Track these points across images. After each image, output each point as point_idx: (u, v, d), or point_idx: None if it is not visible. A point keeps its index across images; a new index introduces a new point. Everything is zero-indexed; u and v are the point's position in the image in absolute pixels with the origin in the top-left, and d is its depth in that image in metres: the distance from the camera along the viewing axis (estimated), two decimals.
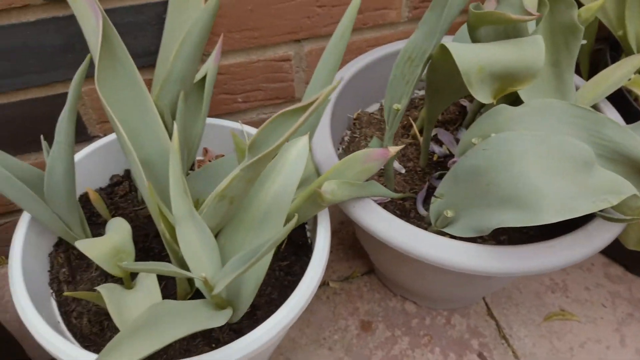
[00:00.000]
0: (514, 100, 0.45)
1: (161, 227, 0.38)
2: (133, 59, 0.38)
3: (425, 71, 0.41)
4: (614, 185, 0.39)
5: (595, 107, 0.52)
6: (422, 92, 0.65)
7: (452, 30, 0.57)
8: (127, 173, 0.56)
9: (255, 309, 0.46)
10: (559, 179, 0.37)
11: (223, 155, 0.56)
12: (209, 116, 0.55)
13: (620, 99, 0.55)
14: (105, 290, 0.38)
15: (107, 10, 0.49)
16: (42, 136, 0.41)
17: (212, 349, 0.43)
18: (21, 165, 0.42)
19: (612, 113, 0.52)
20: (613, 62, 0.53)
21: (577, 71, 0.61)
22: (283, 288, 0.47)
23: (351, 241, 0.71)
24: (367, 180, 0.43)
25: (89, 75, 0.53)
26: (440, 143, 0.57)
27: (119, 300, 0.37)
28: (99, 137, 0.59)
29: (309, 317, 0.63)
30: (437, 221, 0.45)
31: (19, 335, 0.57)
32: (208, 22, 0.41)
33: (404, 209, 0.52)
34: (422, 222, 0.51)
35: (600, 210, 0.43)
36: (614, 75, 0.51)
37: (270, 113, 0.66)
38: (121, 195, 0.54)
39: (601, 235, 0.42)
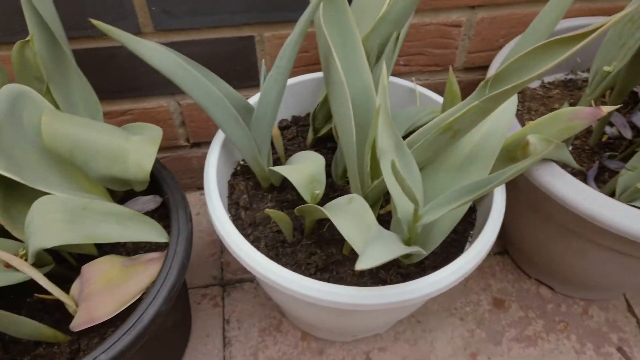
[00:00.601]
0: None
1: (366, 159, 0.39)
2: None
3: None
4: None
5: None
6: (584, 74, 0.63)
7: None
8: (295, 119, 0.59)
9: (422, 261, 0.46)
10: None
11: None
12: None
13: None
14: (329, 207, 0.39)
15: None
16: (263, 60, 0.43)
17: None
18: (232, 91, 0.45)
19: None
20: None
21: None
22: (446, 244, 0.48)
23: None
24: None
25: (276, 20, 0.56)
26: (611, 124, 0.55)
27: (337, 211, 0.38)
28: None
29: None
30: (622, 194, 0.44)
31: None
32: None
33: None
34: None
35: None
36: None
37: (425, 80, 0.66)
38: (289, 138, 0.57)
39: None
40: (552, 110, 0.58)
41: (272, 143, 0.54)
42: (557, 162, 0.48)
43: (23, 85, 0.41)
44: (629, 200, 0.44)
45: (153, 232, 0.42)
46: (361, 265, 0.27)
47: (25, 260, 0.37)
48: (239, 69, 0.60)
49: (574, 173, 0.51)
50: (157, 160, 0.50)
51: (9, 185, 0.40)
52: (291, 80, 0.57)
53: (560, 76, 0.64)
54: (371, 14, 0.48)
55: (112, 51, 0.56)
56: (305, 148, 0.56)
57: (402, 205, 0.38)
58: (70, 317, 0.39)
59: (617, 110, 0.57)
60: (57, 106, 0.43)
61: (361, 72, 0.43)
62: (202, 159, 0.72)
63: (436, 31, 0.60)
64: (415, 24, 0.59)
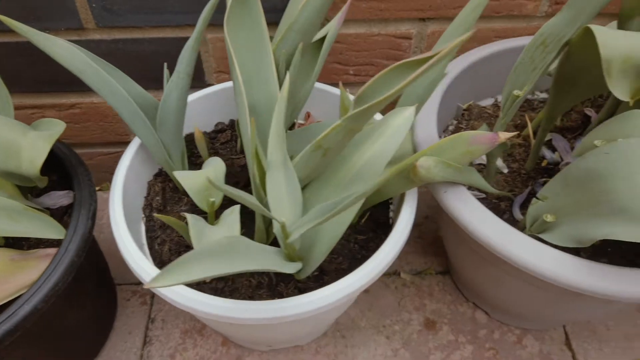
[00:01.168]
0: None
1: (254, 169, 0.39)
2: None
3: (556, 62, 0.38)
4: None
5: None
6: (542, 95, 0.61)
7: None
8: (232, 123, 0.59)
9: (324, 274, 0.45)
10: None
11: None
12: (318, 81, 0.56)
13: None
14: (192, 219, 0.39)
15: None
16: (165, 64, 0.43)
17: None
18: (141, 92, 0.45)
19: None
20: None
21: None
22: (354, 260, 0.47)
23: (432, 238, 0.69)
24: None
25: (219, 23, 0.56)
26: (553, 149, 0.53)
27: (201, 229, 0.38)
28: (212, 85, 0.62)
29: (373, 301, 0.62)
30: (532, 225, 0.42)
31: (107, 256, 0.61)
32: None
33: (498, 209, 0.49)
34: (514, 227, 0.47)
35: None
36: None
37: None
38: (222, 142, 0.56)
39: None
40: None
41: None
42: (475, 188, 0.46)
43: None
44: (539, 232, 0.42)
45: (47, 229, 0.42)
46: (149, 284, 0.26)
47: None
48: None
49: (501, 199, 0.49)
50: (75, 156, 0.51)
51: None
52: (229, 84, 0.57)
53: None
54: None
55: None
56: (238, 153, 0.56)
57: (275, 221, 0.37)
58: None
59: (563, 135, 0.55)
60: None
61: (268, 80, 0.42)
62: None
63: (385, 42, 0.58)
64: (362, 34, 0.58)
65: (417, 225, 0.70)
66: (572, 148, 0.52)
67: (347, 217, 0.38)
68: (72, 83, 0.62)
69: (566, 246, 0.38)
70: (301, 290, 0.44)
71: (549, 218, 0.40)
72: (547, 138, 0.54)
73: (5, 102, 0.44)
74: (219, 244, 0.31)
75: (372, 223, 0.49)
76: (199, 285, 0.44)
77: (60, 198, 0.49)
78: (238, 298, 0.44)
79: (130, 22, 0.56)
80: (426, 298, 0.63)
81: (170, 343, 0.58)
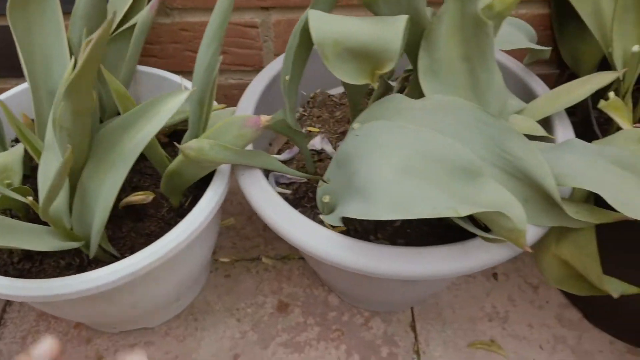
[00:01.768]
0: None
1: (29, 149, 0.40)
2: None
3: None
4: (494, 199, 0.35)
5: (548, 119, 0.47)
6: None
7: None
8: None
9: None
10: (415, 178, 0.34)
11: None
12: (171, 70, 0.56)
13: (586, 119, 0.49)
14: None
15: None
16: None
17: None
18: None
19: (564, 129, 0.46)
20: None
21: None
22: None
23: None
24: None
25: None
26: None
27: None
28: None
29: (232, 286, 0.64)
30: (322, 206, 0.44)
31: None
32: None
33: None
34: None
35: (487, 230, 0.39)
36: (578, 91, 0.46)
37: (239, 79, 0.66)
38: None
39: (477, 254, 0.38)
40: (334, 117, 0.58)
41: None
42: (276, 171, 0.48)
43: None
44: (326, 213, 0.43)
45: None
46: None
47: None
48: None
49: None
50: None
51: None
52: None
53: None
54: None
55: None
56: None
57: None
58: None
59: None
60: None
61: (65, 64, 0.43)
62: None
63: (232, 31, 0.60)
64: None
65: None
66: None
67: (110, 195, 0.39)
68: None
69: (336, 225, 0.40)
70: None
71: (327, 199, 0.41)
72: None
73: None
74: None
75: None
76: (5, 267, 0.45)
77: None
78: (43, 278, 0.45)
79: None
80: (284, 282, 0.64)
81: (25, 325, 0.59)
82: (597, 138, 0.44)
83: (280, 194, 0.50)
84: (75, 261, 0.46)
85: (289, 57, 0.39)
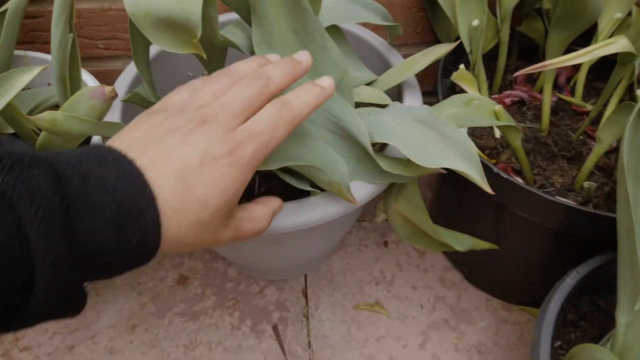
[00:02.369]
0: None
1: None
2: None
3: None
4: (319, 157, 0.39)
5: (400, 89, 0.51)
6: None
7: None
8: None
9: None
10: None
11: None
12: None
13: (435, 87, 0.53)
14: None
15: None
16: None
17: None
18: None
19: (412, 96, 0.50)
20: None
21: None
22: None
23: None
24: None
25: None
26: None
27: None
28: None
29: None
30: None
31: None
32: None
33: None
34: None
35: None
36: (421, 62, 0.50)
37: None
38: None
39: (311, 210, 0.41)
40: None
41: None
42: None
43: None
44: None
45: None
46: None
47: None
48: None
49: None
50: None
51: None
52: None
53: None
54: None
55: None
56: None
57: None
58: None
59: None
60: None
61: None
62: None
63: (121, 17, 0.62)
64: (95, 9, 0.61)
65: None
66: None
67: None
68: None
69: None
70: None
71: None
72: None
73: None
74: None
75: None
76: None
77: None
78: None
79: None
80: (186, 257, 0.67)
81: None
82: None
83: None
84: None
85: (131, 35, 0.42)
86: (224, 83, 0.32)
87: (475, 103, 0.45)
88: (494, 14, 0.53)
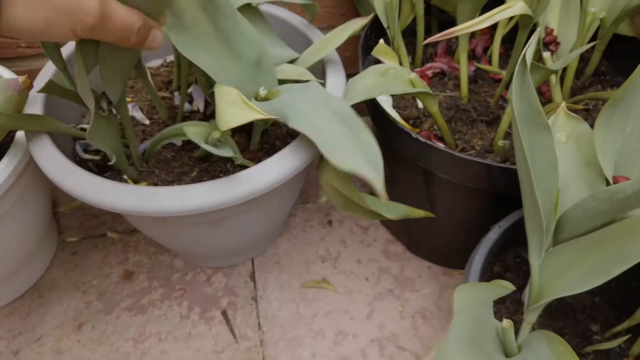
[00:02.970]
0: None
1: None
2: None
3: None
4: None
5: (322, 63, 0.52)
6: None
7: None
8: None
9: None
10: None
11: None
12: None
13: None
14: None
15: None
16: None
17: None
18: None
19: (334, 72, 0.51)
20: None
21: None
22: None
23: None
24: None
25: None
26: (191, 100, 0.58)
27: None
28: None
29: (78, 261, 0.66)
30: None
31: None
32: None
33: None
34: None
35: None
36: (338, 37, 0.51)
37: None
38: None
39: (239, 186, 0.42)
40: (160, 90, 0.61)
41: None
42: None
43: None
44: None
45: None
46: None
47: None
48: None
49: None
50: None
51: None
52: None
53: None
54: None
55: None
56: None
57: None
58: None
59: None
60: None
61: None
62: None
63: None
64: None
65: None
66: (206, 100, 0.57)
67: None
68: None
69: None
70: None
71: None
72: (189, 91, 0.59)
73: None
74: None
75: None
76: None
77: None
78: None
79: None
80: (131, 253, 0.67)
81: None
82: None
83: (89, 160, 0.53)
84: None
85: None
86: None
87: (391, 72, 0.47)
88: None
